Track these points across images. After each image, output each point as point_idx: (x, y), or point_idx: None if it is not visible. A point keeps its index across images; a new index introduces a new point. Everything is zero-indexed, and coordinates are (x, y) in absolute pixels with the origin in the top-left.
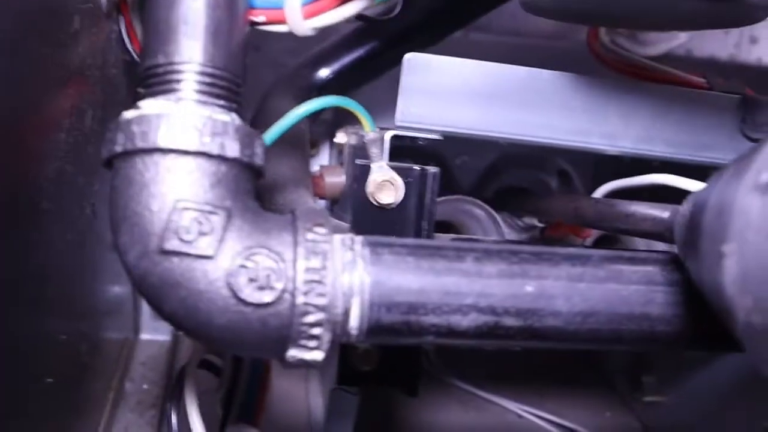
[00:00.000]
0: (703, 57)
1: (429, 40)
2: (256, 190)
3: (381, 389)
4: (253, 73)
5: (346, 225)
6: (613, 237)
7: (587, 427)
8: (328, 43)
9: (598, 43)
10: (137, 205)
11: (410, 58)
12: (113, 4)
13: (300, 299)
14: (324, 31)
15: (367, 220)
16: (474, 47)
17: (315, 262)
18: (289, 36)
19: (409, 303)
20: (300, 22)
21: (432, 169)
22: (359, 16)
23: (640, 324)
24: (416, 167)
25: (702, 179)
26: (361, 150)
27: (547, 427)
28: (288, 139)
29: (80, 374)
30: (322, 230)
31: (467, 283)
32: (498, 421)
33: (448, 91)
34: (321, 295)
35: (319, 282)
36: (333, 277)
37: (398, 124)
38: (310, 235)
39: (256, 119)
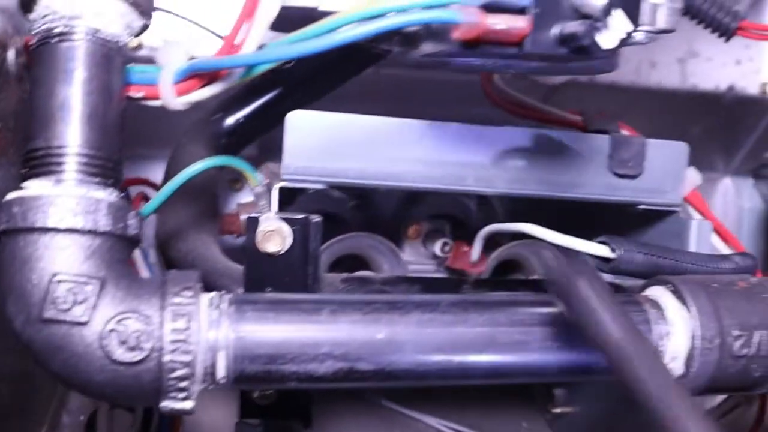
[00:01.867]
0: (605, 83)
1: (331, 84)
2: (161, 240)
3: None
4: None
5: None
6: (517, 264)
7: None
8: (236, 90)
9: (491, 84)
10: (21, 277)
11: (292, 116)
12: (22, 67)
13: (167, 357)
14: None
15: (258, 268)
16: (386, 82)
17: (180, 324)
18: None
19: (269, 354)
20: (172, 98)
21: (315, 218)
22: None
23: (485, 361)
24: (300, 216)
25: None
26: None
27: None
28: (191, 188)
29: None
30: (188, 293)
31: (322, 334)
32: None
33: (330, 144)
34: (186, 352)
35: (184, 341)
36: (198, 336)
37: (284, 177)
38: (176, 299)
39: (170, 166)
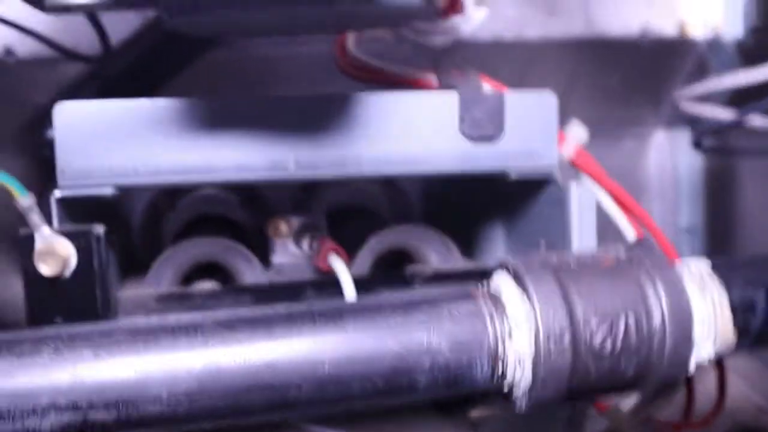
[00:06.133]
0: (487, 40)
1: (162, 76)
2: None
3: None
4: None
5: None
6: (407, 254)
7: None
8: (60, 93)
9: (346, 54)
10: None
11: (61, 108)
12: None
13: None
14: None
15: (40, 294)
16: (253, 63)
17: None
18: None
19: None
20: None
21: (96, 230)
22: (72, 55)
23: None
24: (79, 229)
25: None
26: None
27: None
28: None
29: None
30: None
31: (40, 380)
32: None
33: (113, 138)
34: None
35: None
36: None
37: (61, 184)
38: None
39: None
